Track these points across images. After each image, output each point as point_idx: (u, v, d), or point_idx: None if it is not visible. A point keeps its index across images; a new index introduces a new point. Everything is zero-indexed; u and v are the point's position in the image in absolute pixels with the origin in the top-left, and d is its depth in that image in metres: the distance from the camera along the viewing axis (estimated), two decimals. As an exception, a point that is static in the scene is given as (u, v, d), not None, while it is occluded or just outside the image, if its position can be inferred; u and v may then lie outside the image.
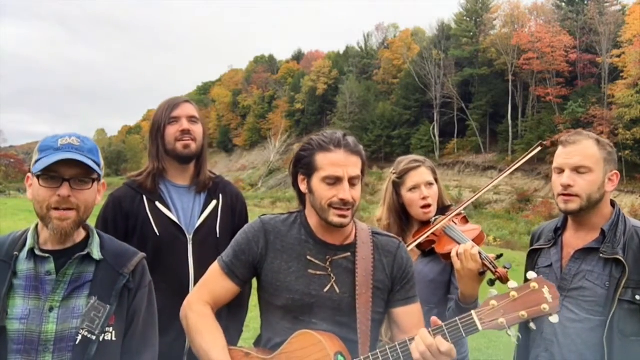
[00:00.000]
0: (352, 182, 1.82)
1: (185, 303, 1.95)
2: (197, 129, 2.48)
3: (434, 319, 1.78)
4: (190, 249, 2.39)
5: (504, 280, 1.99)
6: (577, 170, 2.06)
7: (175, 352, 2.31)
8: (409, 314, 1.93)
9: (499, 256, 2.10)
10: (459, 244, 2.22)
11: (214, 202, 2.50)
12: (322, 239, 1.90)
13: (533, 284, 1.71)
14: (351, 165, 1.81)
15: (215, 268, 1.96)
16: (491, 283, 2.06)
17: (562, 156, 2.12)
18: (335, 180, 1.80)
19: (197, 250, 2.37)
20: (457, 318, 1.73)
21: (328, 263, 1.87)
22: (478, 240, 2.28)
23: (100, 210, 2.44)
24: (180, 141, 2.43)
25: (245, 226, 2.00)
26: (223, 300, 1.94)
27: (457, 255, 2.09)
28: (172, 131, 2.44)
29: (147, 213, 2.38)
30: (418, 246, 2.42)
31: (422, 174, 2.48)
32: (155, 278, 2.32)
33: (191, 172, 2.52)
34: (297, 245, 1.90)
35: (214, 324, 1.88)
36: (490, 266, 2.03)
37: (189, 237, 2.40)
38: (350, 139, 1.85)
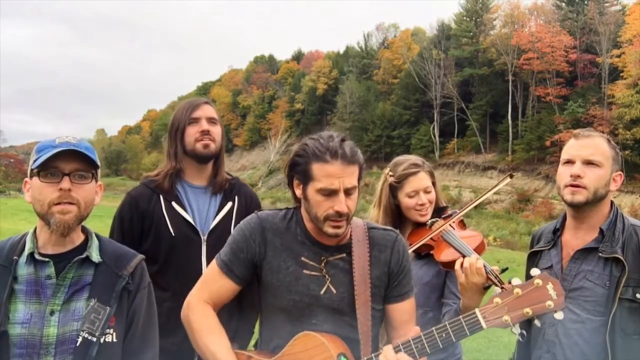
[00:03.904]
0: (348, 192, 1.78)
1: (185, 304, 1.92)
2: (217, 130, 2.51)
3: (416, 329, 1.77)
4: (204, 249, 2.40)
5: None
6: (588, 162, 2.07)
7: (186, 351, 2.30)
8: (400, 310, 1.92)
9: (504, 270, 2.07)
10: (458, 250, 2.19)
11: (230, 204, 2.51)
12: (318, 240, 1.87)
13: (537, 281, 1.70)
14: (347, 175, 1.75)
15: (213, 267, 1.93)
16: None
17: (574, 147, 2.12)
18: (330, 192, 1.75)
19: (210, 251, 2.36)
20: (460, 317, 1.71)
21: (323, 264, 1.85)
22: (480, 249, 2.22)
23: (117, 209, 2.47)
24: (200, 141, 2.45)
25: (242, 222, 1.96)
26: (223, 299, 1.92)
27: (462, 268, 2.06)
28: (192, 132, 2.46)
29: (162, 213, 2.40)
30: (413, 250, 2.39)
31: (422, 180, 2.46)
32: (167, 277, 2.34)
33: (209, 172, 2.54)
34: (294, 245, 1.88)
35: (217, 324, 1.86)
36: (496, 280, 1.99)
37: (203, 237, 2.42)
38: (347, 147, 1.76)
